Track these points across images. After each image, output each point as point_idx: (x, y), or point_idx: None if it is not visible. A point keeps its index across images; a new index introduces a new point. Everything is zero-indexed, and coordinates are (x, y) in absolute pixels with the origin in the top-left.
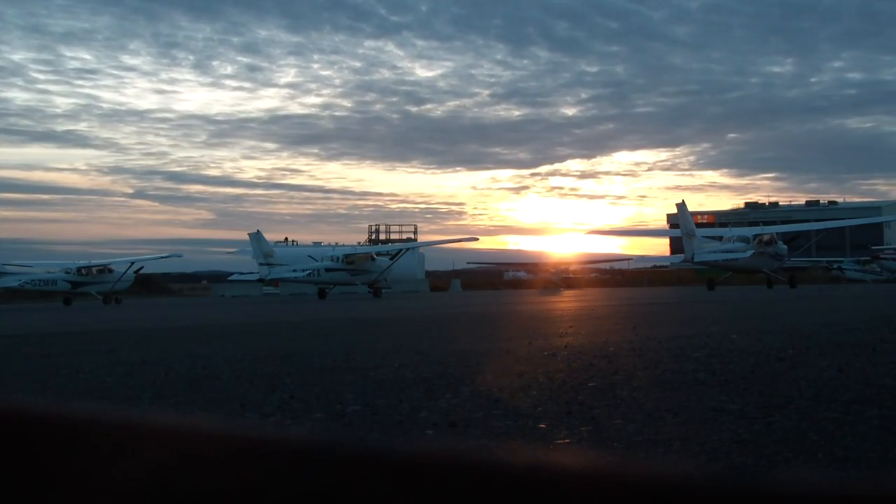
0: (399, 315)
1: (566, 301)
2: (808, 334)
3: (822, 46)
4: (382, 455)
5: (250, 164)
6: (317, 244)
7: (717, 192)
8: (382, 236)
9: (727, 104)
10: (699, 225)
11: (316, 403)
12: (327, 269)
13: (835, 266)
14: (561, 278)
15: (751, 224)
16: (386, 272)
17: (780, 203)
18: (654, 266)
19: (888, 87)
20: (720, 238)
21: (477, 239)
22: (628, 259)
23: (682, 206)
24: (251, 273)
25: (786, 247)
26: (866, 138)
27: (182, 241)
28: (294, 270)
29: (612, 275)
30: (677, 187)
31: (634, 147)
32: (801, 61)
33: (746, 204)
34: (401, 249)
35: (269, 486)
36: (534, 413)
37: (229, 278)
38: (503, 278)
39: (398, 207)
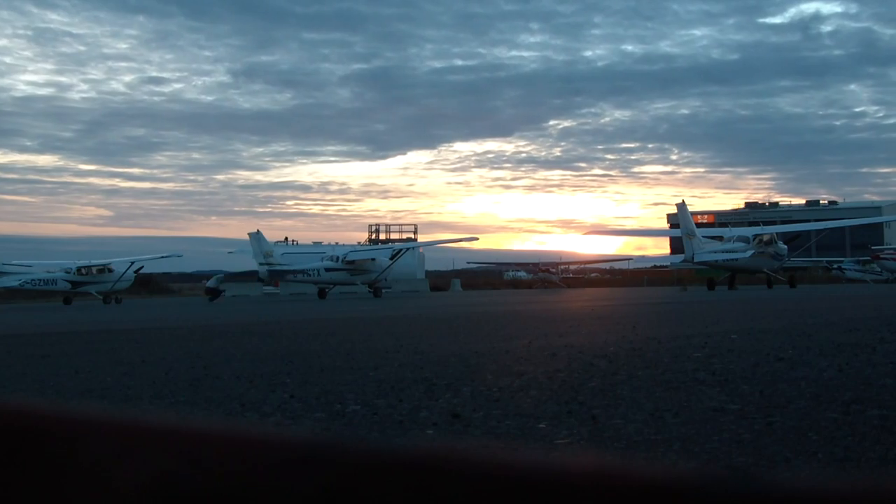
0: (399, 315)
1: (566, 301)
2: (808, 334)
3: (562, 9)
4: (382, 455)
5: (68, 154)
6: (317, 244)
7: (625, 187)
8: (382, 236)
9: (517, 84)
10: (699, 225)
11: (316, 403)
12: (327, 269)
13: (835, 266)
14: (561, 278)
15: (751, 224)
16: (386, 272)
17: (780, 203)
18: (654, 266)
19: (678, 62)
20: (720, 238)
21: (477, 238)
22: (628, 259)
23: (681, 206)
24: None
25: (786, 247)
26: (718, 126)
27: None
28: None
29: (612, 275)
30: (577, 187)
31: (466, 137)
32: (552, 31)
33: (746, 204)
34: (401, 249)
35: (270, 486)
36: (534, 413)
37: None
38: (503, 278)
39: (299, 205)
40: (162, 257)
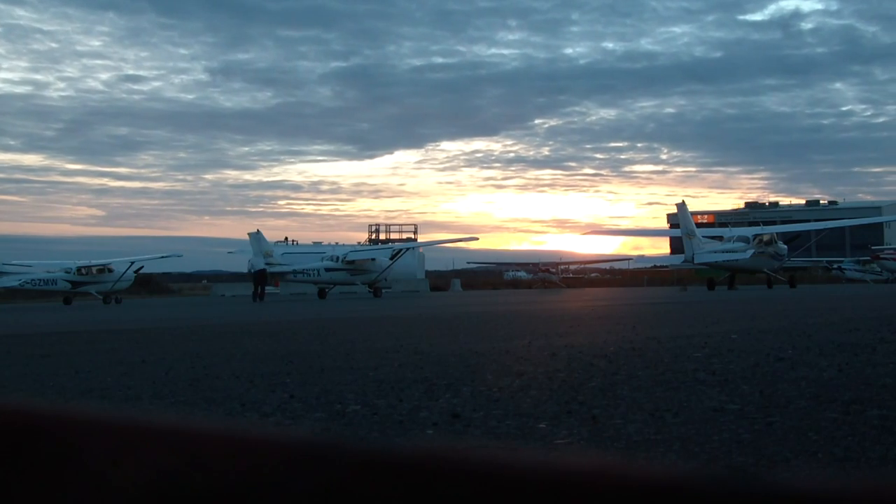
0: (399, 315)
1: (566, 301)
2: (808, 334)
3: (539, 6)
4: (382, 455)
5: (53, 153)
6: (317, 244)
7: (616, 186)
8: (382, 236)
9: (500, 83)
10: (699, 225)
11: (316, 403)
12: (327, 269)
13: (835, 266)
14: (561, 278)
15: (751, 224)
16: (386, 272)
17: (780, 203)
18: (655, 266)
19: (660, 59)
20: (720, 238)
21: (477, 238)
22: (628, 259)
23: (682, 206)
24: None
25: (786, 247)
26: (706, 125)
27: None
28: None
29: (612, 275)
30: (570, 186)
31: (452, 137)
32: (531, 28)
33: (746, 204)
34: (401, 249)
35: (270, 485)
36: (534, 413)
37: None
38: (503, 278)
39: (291, 204)
40: (162, 257)
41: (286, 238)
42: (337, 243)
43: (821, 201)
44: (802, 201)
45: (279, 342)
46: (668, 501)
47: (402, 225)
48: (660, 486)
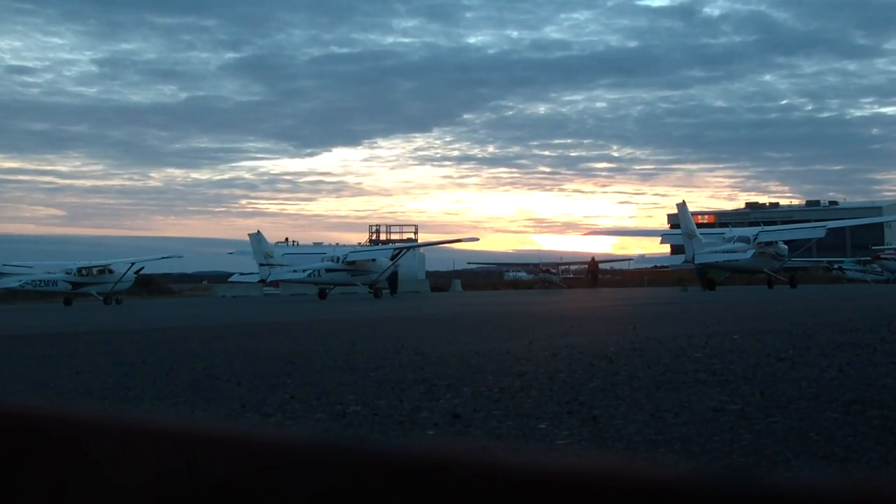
0: (399, 315)
1: (566, 301)
2: (808, 334)
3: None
4: (383, 455)
5: None
6: (317, 244)
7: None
8: (383, 236)
9: (410, 75)
10: (699, 225)
11: (316, 404)
12: (328, 270)
13: (835, 266)
14: (561, 279)
15: (751, 224)
16: (386, 272)
17: (781, 203)
18: (655, 266)
19: (574, 49)
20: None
21: (477, 239)
22: (628, 259)
23: (682, 206)
24: (252, 274)
25: (786, 247)
26: (645, 120)
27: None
28: (294, 271)
29: (612, 275)
30: (532, 185)
31: (384, 133)
32: (423, 15)
33: (747, 204)
34: (401, 249)
35: (270, 486)
36: (534, 413)
37: (230, 279)
38: (503, 278)
39: (253, 204)
40: (162, 258)
41: (286, 239)
42: (338, 244)
43: (821, 202)
44: (802, 201)
45: (280, 343)
46: (669, 502)
47: (402, 225)
48: (660, 486)
